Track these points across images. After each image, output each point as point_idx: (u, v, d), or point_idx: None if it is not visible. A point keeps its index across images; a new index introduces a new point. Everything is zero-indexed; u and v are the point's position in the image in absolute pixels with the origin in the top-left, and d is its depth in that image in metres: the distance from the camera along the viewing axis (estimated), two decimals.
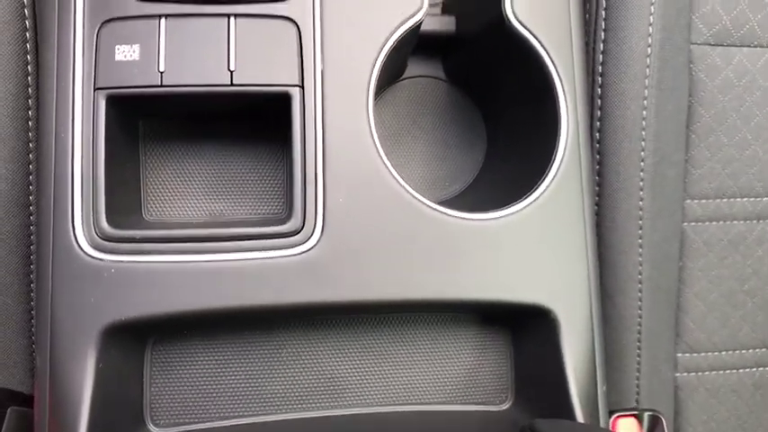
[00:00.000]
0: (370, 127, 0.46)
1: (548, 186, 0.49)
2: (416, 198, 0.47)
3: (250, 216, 0.54)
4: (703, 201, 0.66)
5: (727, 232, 0.67)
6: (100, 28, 0.46)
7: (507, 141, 0.59)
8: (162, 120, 0.52)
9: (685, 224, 0.65)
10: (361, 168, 0.46)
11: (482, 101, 0.63)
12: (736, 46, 0.64)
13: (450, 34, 0.60)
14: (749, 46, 0.64)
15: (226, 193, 0.54)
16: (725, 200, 0.67)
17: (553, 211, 0.48)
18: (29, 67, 0.53)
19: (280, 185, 0.54)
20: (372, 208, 0.46)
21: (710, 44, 0.64)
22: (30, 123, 0.53)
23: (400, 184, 0.47)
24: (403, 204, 0.46)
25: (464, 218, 0.47)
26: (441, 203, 0.48)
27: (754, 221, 0.68)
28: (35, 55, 0.53)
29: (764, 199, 0.68)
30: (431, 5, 0.57)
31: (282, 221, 0.46)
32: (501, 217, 0.47)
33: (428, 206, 0.47)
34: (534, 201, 0.48)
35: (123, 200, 0.50)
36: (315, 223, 0.45)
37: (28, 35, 0.53)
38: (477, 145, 0.63)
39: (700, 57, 0.63)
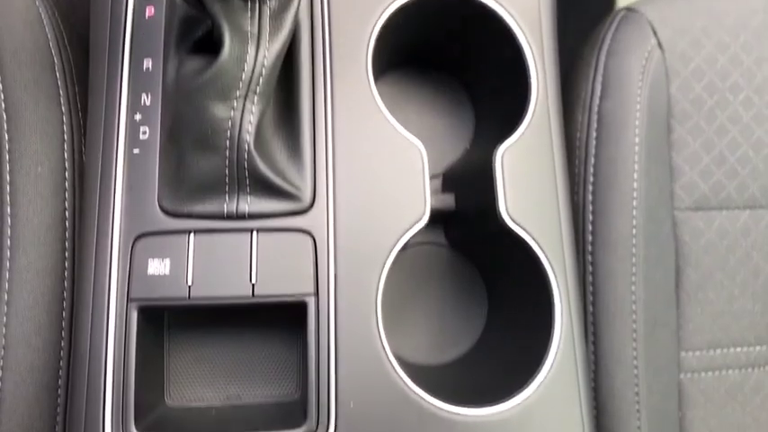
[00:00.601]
0: (380, 334, 0.51)
1: (546, 376, 0.52)
2: (429, 402, 0.50)
3: (266, 399, 0.57)
4: (698, 352, 0.69)
5: (723, 382, 0.70)
6: (134, 242, 0.52)
7: (505, 315, 0.63)
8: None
9: (682, 375, 0.68)
10: (371, 374, 0.50)
11: (483, 270, 0.68)
12: (716, 209, 0.69)
13: (450, 210, 0.65)
14: (728, 209, 0.70)
15: (242, 377, 0.57)
16: (718, 350, 0.70)
17: (551, 402, 0.52)
18: (66, 263, 0.58)
19: (293, 368, 0.57)
20: (384, 415, 0.49)
21: (692, 209, 0.69)
22: (63, 315, 0.58)
23: (411, 389, 0.50)
24: (413, 409, 0.50)
25: (464, 414, 0.50)
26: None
27: (749, 369, 0.71)
28: (72, 253, 0.58)
29: (757, 348, 0.71)
30: (432, 177, 0.63)
31: (297, 424, 0.49)
32: (500, 412, 0.51)
33: (440, 408, 0.50)
34: (533, 393, 0.51)
35: (149, 389, 0.54)
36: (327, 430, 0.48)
37: (66, 234, 0.58)
38: (479, 312, 0.67)
39: (683, 221, 0.68)
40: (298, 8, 0.52)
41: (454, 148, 0.72)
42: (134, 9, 0.58)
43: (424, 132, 0.71)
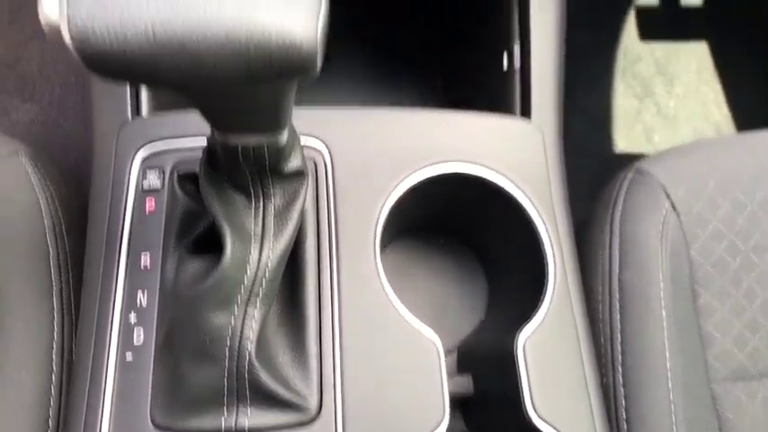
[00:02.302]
0: None
1: None
2: None
3: None
4: None
5: None
6: None
7: None
8: None
9: None
10: None
11: None
12: (757, 379, 0.64)
13: (468, 395, 0.59)
14: None
15: None
16: None
17: None
18: None
19: None
20: None
21: (731, 380, 0.63)
22: None
23: None
24: None
25: None
26: None
27: None
28: None
29: None
30: (445, 353, 0.58)
31: None
32: None
33: None
34: None
35: None
36: None
37: None
38: None
39: (723, 395, 0.63)
40: (303, 202, 0.50)
41: (468, 320, 0.68)
42: (134, 201, 0.56)
43: (435, 302, 0.67)
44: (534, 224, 0.59)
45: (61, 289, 0.58)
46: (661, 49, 1.31)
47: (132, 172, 0.57)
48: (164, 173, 0.57)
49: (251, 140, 0.43)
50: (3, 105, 1.20)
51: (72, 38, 0.31)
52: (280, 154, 0.45)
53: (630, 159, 1.26)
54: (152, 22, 0.30)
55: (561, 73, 0.65)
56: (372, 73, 0.84)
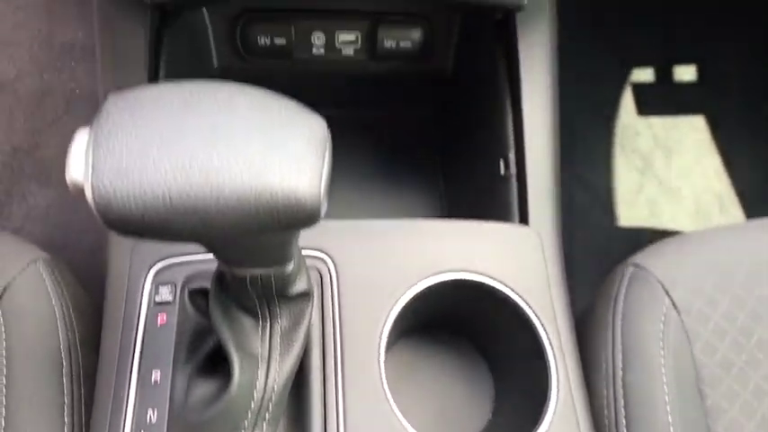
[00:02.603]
0: None
1: None
2: None
3: None
4: None
5: None
6: None
7: None
8: None
9: None
10: None
11: None
12: None
13: None
14: None
15: None
16: None
17: None
18: None
19: None
20: None
21: None
22: None
23: None
24: None
25: None
26: None
27: None
28: None
29: None
30: None
31: None
32: None
33: None
34: None
35: None
36: None
37: None
38: None
39: None
40: (309, 321, 0.52)
41: (474, 421, 0.68)
42: (146, 315, 0.58)
43: (440, 402, 0.68)
44: (536, 330, 0.60)
45: (72, 404, 0.59)
46: (659, 123, 1.34)
47: (145, 288, 0.59)
48: (175, 287, 0.59)
49: (258, 271, 0.45)
50: (21, 191, 1.24)
51: (95, 202, 0.33)
52: (286, 280, 0.47)
53: (633, 234, 1.28)
54: (169, 190, 0.33)
55: (557, 177, 0.67)
56: (371, 175, 0.87)
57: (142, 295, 0.59)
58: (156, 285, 0.59)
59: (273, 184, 0.34)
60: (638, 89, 1.35)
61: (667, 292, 0.67)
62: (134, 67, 0.65)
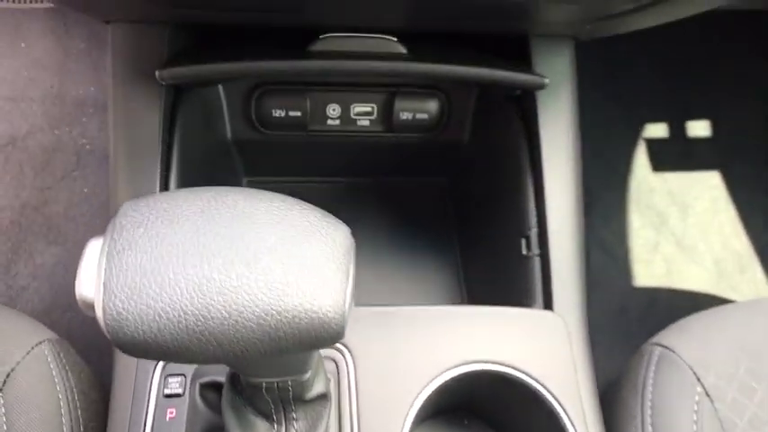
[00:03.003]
0: None
1: None
2: None
3: None
4: None
5: None
6: None
7: None
8: None
9: None
10: None
11: None
12: None
13: None
14: None
15: None
16: None
17: None
18: None
19: None
20: None
21: None
22: None
23: None
24: None
25: None
26: None
27: None
28: None
29: None
30: None
31: None
32: None
33: None
34: None
35: None
36: None
37: None
38: None
39: None
40: (327, 424, 0.49)
41: None
42: (155, 409, 0.55)
43: None
44: (562, 422, 0.57)
45: None
46: (674, 179, 1.32)
47: (154, 379, 0.56)
48: (186, 379, 0.56)
49: (275, 380, 0.43)
50: (28, 249, 1.23)
51: (106, 324, 0.31)
52: (304, 386, 0.45)
53: (650, 293, 1.24)
54: (184, 312, 0.31)
55: (582, 257, 0.65)
56: (385, 249, 0.86)
57: (151, 386, 0.56)
58: (166, 377, 0.57)
59: (295, 305, 0.32)
60: (652, 145, 1.34)
61: (699, 379, 0.64)
62: (148, 141, 0.64)
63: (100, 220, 1.26)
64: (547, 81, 0.62)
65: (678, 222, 1.29)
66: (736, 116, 1.37)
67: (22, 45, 1.38)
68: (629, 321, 1.23)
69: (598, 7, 0.54)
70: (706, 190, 1.32)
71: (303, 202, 0.36)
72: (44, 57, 1.39)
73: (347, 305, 0.34)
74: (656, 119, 1.35)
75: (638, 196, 1.30)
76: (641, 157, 1.33)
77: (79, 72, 1.40)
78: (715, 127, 1.37)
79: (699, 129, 1.37)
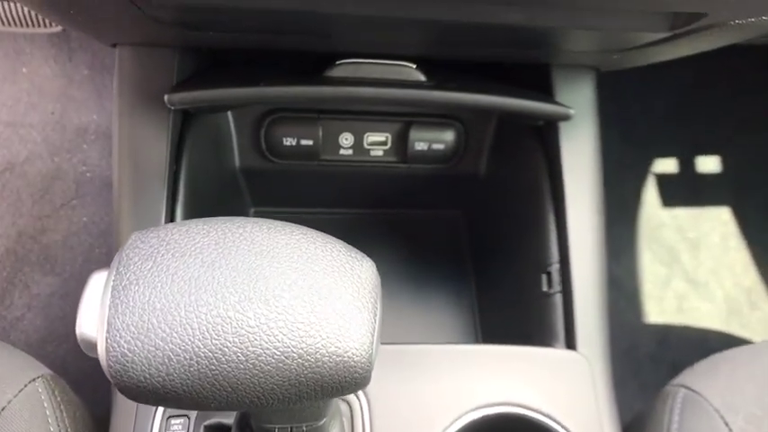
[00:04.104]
0: None
1: None
2: None
3: None
4: None
5: None
6: None
7: None
8: None
9: None
10: None
11: None
12: None
13: None
14: None
15: None
16: None
17: None
18: None
19: None
20: None
21: None
22: None
23: None
24: None
25: None
26: None
27: None
28: None
29: None
30: None
31: None
32: None
33: None
34: None
35: None
36: None
37: None
38: None
39: None
40: None
41: None
42: None
43: None
44: None
45: None
46: (684, 215, 1.31)
47: (156, 421, 0.53)
48: (189, 421, 0.53)
49: (289, 425, 0.40)
50: (24, 279, 1.19)
51: (108, 366, 0.28)
52: (318, 431, 0.42)
53: (662, 330, 1.22)
54: (196, 355, 0.28)
55: (605, 295, 0.62)
56: (398, 282, 0.83)
57: (152, 429, 0.53)
58: (168, 418, 0.53)
59: (318, 348, 0.29)
60: (661, 180, 1.32)
61: (727, 424, 0.61)
62: (154, 168, 0.62)
63: (99, 249, 1.23)
64: (572, 112, 0.61)
65: (689, 258, 1.27)
66: (746, 151, 1.36)
67: (24, 70, 1.37)
68: (640, 358, 1.19)
69: (623, 38, 0.53)
70: (717, 226, 1.30)
71: (325, 235, 0.33)
72: (46, 83, 1.38)
73: (374, 348, 0.31)
74: (665, 154, 1.35)
75: (649, 232, 1.28)
76: (651, 193, 1.32)
77: (82, 99, 1.38)
78: (725, 162, 1.36)
79: (708, 164, 1.36)
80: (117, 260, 0.30)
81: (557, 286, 0.62)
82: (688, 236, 1.29)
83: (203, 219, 0.32)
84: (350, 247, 0.33)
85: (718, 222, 1.31)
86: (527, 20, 0.42)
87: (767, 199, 1.33)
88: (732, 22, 0.43)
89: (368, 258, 0.33)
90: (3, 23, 1.09)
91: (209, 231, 0.31)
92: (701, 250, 1.28)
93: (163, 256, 0.29)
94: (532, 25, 0.44)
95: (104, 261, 1.21)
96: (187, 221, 0.32)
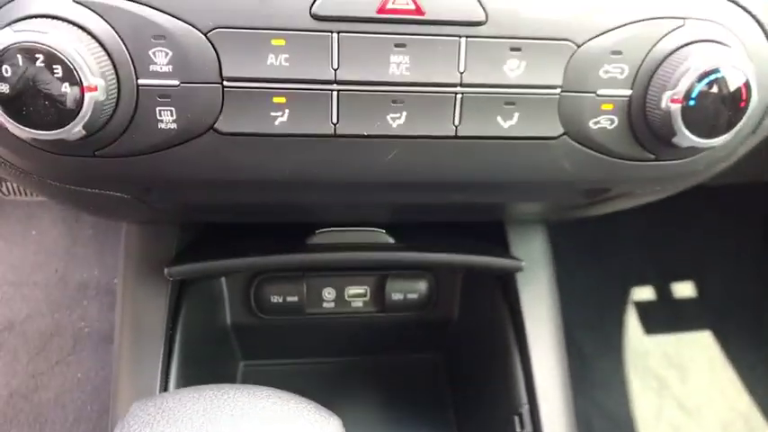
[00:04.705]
0: None
1: None
2: None
3: None
4: None
5: None
6: None
7: None
8: None
9: None
10: None
11: None
12: None
13: None
14: None
15: None
16: None
17: None
18: None
19: None
20: None
21: None
22: None
23: None
24: None
25: None
26: None
27: None
28: None
29: None
30: None
31: None
32: None
33: None
34: None
35: None
36: None
37: None
38: None
39: None
40: None
41: None
42: None
43: None
44: None
45: None
46: (668, 341, 1.33)
47: None
48: None
49: None
50: None
51: None
52: None
53: None
54: None
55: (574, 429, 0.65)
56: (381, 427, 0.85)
57: None
58: None
59: None
60: (641, 308, 1.36)
61: None
62: (152, 330, 0.67)
63: (91, 407, 1.23)
64: (523, 264, 0.67)
65: (678, 384, 1.27)
66: (721, 275, 1.41)
67: (33, 233, 1.45)
68: None
69: (554, 206, 0.61)
70: (701, 350, 1.32)
71: (298, 397, 0.39)
72: (52, 243, 1.45)
73: None
74: (641, 281, 1.40)
75: (635, 361, 1.30)
76: (633, 321, 1.35)
77: (85, 256, 1.45)
78: (700, 287, 1.41)
79: (684, 290, 1.40)
80: (120, 427, 0.35)
81: (528, 427, 0.64)
82: (674, 362, 1.30)
83: (194, 387, 0.38)
84: (319, 406, 0.39)
85: (701, 346, 1.32)
86: (468, 198, 0.50)
87: (744, 319, 1.36)
88: (638, 191, 0.50)
89: (335, 416, 0.38)
90: (19, 194, 1.19)
91: (198, 399, 0.36)
92: (689, 376, 1.29)
93: (158, 422, 0.34)
94: (475, 201, 0.52)
95: (95, 420, 1.21)
96: (180, 390, 0.38)
